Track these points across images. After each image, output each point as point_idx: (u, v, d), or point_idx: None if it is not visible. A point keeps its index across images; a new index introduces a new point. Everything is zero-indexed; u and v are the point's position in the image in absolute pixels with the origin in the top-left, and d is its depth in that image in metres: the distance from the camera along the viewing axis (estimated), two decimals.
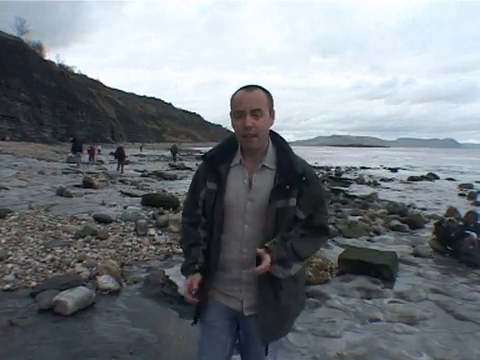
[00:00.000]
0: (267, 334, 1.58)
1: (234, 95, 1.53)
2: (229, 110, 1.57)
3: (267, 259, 1.44)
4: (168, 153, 42.74)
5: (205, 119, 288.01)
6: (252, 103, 1.46)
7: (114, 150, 25.57)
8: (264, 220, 1.50)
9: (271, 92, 1.55)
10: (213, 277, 1.62)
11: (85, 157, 26.78)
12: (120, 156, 21.44)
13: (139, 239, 5.95)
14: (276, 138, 1.61)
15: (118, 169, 21.09)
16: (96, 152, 30.44)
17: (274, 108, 1.56)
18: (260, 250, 1.45)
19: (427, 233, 7.34)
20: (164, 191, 12.12)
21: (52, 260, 4.70)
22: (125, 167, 23.34)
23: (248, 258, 1.53)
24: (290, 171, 1.51)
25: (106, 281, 4.02)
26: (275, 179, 1.52)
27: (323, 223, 1.65)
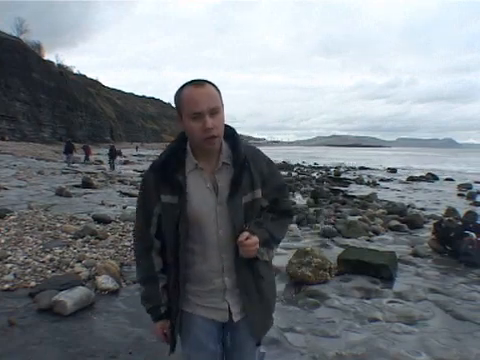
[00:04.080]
0: (259, 329, 1.57)
1: (182, 93, 1.37)
2: (176, 112, 1.43)
3: (255, 238, 1.41)
4: None
5: None
6: (209, 102, 1.33)
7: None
8: (236, 221, 1.43)
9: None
10: (188, 292, 1.51)
11: (82, 157, 27.60)
12: (113, 155, 22.72)
13: None
14: (227, 130, 1.48)
15: (113, 168, 22.20)
16: (92, 152, 30.85)
17: (223, 101, 1.43)
18: (245, 233, 1.40)
19: (426, 233, 7.34)
20: None
21: (51, 260, 4.70)
22: (124, 167, 23.71)
23: (229, 263, 1.47)
24: (237, 162, 1.44)
25: (105, 281, 4.02)
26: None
27: (288, 207, 1.65)
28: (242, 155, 1.44)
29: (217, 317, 1.52)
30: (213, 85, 1.38)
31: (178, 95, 1.39)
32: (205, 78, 1.40)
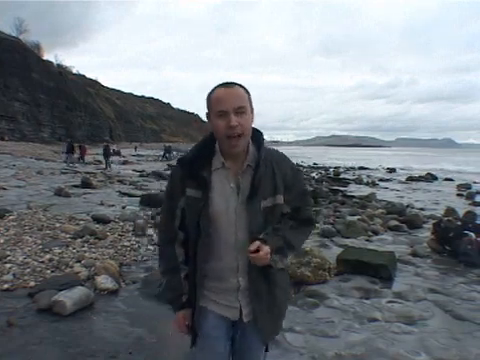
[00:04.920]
0: (267, 334, 1.59)
1: (212, 93, 1.44)
2: (206, 111, 1.49)
3: (266, 248, 1.40)
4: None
5: (204, 119, 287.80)
6: (235, 101, 1.39)
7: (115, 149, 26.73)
8: (253, 224, 1.45)
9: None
10: (205, 288, 1.55)
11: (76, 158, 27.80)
12: (107, 154, 23.01)
13: (137, 239, 5.94)
14: (255, 134, 1.54)
15: (109, 167, 22.53)
16: (87, 152, 30.73)
17: (253, 105, 1.49)
18: (257, 242, 1.40)
19: (425, 233, 7.34)
20: (162, 191, 12.11)
21: (50, 260, 4.69)
22: (123, 167, 23.80)
23: (244, 264, 1.49)
24: (256, 166, 1.46)
25: (105, 281, 4.02)
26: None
27: (309, 215, 1.64)
28: (259, 158, 1.47)
29: (228, 314, 1.56)
30: (243, 87, 1.45)
31: (208, 96, 1.46)
32: (235, 81, 1.46)
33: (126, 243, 5.68)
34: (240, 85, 1.45)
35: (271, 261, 1.45)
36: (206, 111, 1.48)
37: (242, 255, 1.47)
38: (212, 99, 1.43)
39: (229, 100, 1.38)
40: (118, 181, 15.15)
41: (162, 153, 40.52)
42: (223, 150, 1.48)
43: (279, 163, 1.51)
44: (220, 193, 1.46)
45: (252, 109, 1.47)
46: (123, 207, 8.86)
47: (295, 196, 1.55)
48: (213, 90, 1.45)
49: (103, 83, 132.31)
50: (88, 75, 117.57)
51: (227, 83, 1.44)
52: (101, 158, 27.96)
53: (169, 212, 1.58)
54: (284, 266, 1.55)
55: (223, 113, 1.39)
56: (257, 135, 1.53)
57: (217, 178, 1.48)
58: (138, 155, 43.29)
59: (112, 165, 23.52)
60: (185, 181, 1.49)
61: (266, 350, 1.65)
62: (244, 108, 1.41)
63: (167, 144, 49.26)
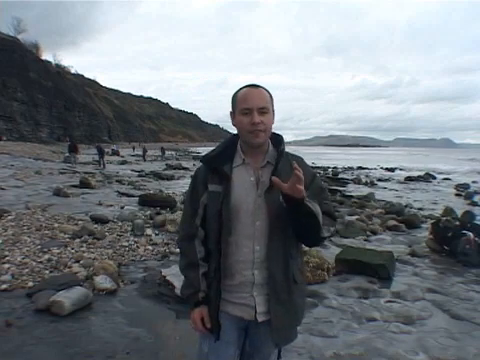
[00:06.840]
0: (282, 336, 1.55)
1: (238, 93, 1.53)
2: (230, 109, 1.56)
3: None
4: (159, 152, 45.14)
5: (203, 119, 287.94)
6: (259, 101, 1.47)
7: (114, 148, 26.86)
8: (273, 214, 1.47)
9: (273, 92, 1.57)
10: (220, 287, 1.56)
11: (80, 158, 27.82)
12: (101, 153, 23.81)
13: (136, 239, 5.93)
14: (275, 137, 1.61)
15: (100, 165, 23.18)
16: (79, 150, 30.77)
17: (274, 107, 1.56)
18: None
19: (424, 233, 7.36)
20: (161, 191, 12.11)
21: (49, 260, 4.68)
22: (122, 167, 23.91)
23: (261, 256, 1.50)
24: (278, 160, 1.53)
25: (103, 281, 4.01)
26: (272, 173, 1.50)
27: (329, 209, 1.59)
28: (280, 154, 1.53)
29: (243, 314, 1.54)
30: (267, 91, 1.53)
31: (234, 95, 1.55)
32: (259, 84, 1.55)
33: (124, 243, 5.68)
34: (264, 88, 1.53)
35: (306, 200, 1.36)
36: (230, 110, 1.56)
37: (259, 246, 1.50)
38: (238, 98, 1.52)
39: (254, 99, 1.47)
40: (117, 181, 15.14)
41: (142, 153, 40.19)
42: (244, 146, 1.56)
43: (299, 163, 1.48)
44: (240, 186, 1.52)
45: (273, 111, 1.55)
46: (122, 207, 8.85)
47: (312, 192, 1.53)
48: (239, 90, 1.54)
49: (105, 83, 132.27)
50: (90, 75, 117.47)
51: (252, 84, 1.53)
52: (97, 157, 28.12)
53: (191, 208, 1.62)
54: (315, 211, 1.39)
55: (248, 111, 1.47)
56: (278, 138, 1.61)
57: (238, 173, 1.54)
58: (136, 155, 43.25)
59: (110, 165, 23.68)
60: (208, 177, 1.56)
61: (279, 356, 1.62)
62: (267, 109, 1.49)
63: (146, 145, 49.52)
